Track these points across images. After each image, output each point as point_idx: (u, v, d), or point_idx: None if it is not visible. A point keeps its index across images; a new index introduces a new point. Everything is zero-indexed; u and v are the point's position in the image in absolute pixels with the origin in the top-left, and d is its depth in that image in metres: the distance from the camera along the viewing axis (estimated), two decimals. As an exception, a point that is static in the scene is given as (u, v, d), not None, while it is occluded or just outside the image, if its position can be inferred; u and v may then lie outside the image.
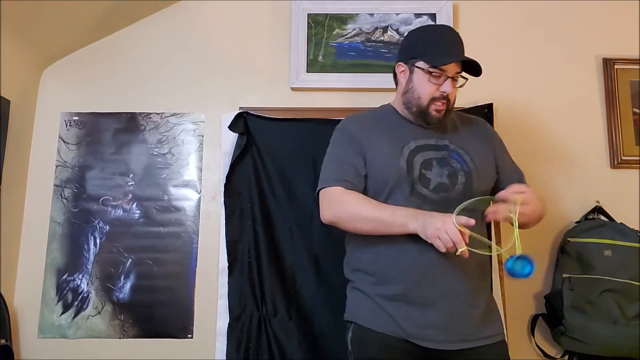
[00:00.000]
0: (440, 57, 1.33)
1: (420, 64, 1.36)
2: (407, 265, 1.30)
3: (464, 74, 1.38)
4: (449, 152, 1.38)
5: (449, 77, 1.34)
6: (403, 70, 1.42)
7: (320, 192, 1.40)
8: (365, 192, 1.38)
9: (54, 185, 1.96)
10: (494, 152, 1.47)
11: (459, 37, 1.39)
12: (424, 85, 1.36)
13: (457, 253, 1.17)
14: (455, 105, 1.43)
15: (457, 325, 1.28)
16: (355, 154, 1.39)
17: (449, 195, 1.33)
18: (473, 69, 1.36)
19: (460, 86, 1.39)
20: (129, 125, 2.00)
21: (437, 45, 1.36)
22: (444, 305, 1.28)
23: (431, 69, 1.34)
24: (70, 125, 2.00)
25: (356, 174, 1.38)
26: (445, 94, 1.34)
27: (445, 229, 1.17)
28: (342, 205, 1.34)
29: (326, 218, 1.37)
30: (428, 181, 1.34)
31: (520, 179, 1.47)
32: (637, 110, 1.96)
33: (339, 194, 1.35)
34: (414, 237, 1.26)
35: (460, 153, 1.39)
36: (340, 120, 1.93)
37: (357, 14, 2.03)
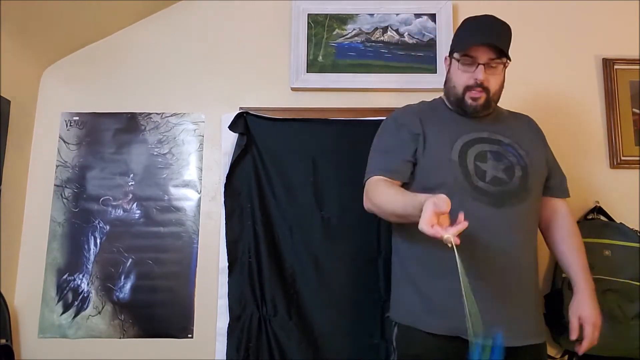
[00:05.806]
0: (465, 42, 1.34)
1: (454, 54, 1.38)
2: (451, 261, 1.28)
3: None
4: (504, 146, 1.38)
5: (480, 63, 1.33)
6: (447, 64, 1.45)
7: (365, 183, 1.42)
8: (416, 183, 1.37)
9: (54, 185, 1.96)
10: (545, 149, 1.48)
11: (496, 23, 1.36)
12: (457, 74, 1.38)
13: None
14: None
15: (509, 321, 1.23)
16: (406, 142, 1.39)
17: (506, 188, 1.32)
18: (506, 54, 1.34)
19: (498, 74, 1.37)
20: (129, 125, 2.00)
21: (466, 32, 1.38)
22: (489, 299, 1.23)
23: (460, 57, 1.35)
24: (70, 125, 2.00)
25: (402, 162, 1.38)
26: (478, 81, 1.33)
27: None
28: (375, 196, 1.35)
29: (366, 207, 1.39)
30: (484, 173, 1.33)
31: (561, 184, 1.49)
32: (637, 111, 1.96)
33: (375, 184, 1.37)
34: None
35: (516, 147, 1.39)
36: (340, 120, 1.92)
37: (357, 14, 2.02)
